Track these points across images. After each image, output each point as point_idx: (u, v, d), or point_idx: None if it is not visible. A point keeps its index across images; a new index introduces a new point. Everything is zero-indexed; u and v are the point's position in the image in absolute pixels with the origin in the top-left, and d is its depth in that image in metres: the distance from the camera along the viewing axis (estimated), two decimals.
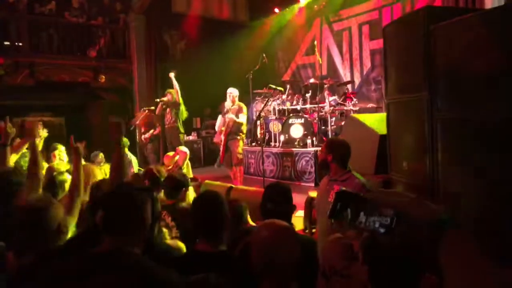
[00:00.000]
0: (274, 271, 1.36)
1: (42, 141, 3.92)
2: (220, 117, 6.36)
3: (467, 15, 2.79)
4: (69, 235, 1.93)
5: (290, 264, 1.36)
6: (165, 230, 2.48)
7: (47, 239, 1.72)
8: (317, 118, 7.16)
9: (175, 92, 6.94)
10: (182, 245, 2.26)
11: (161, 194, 3.06)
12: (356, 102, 7.45)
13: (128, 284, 1.28)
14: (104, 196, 1.55)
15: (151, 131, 7.72)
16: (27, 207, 1.75)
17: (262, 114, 6.98)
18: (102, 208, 1.43)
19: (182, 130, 7.10)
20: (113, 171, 2.18)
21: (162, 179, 3.18)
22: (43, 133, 3.89)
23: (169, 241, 2.34)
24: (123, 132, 2.39)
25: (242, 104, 6.23)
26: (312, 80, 7.97)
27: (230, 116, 6.00)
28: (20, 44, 8.53)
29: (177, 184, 2.95)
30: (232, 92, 6.20)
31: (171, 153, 5.04)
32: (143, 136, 7.75)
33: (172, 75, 6.86)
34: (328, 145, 3.00)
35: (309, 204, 4.00)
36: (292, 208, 2.37)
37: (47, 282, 1.37)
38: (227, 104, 6.21)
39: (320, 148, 6.16)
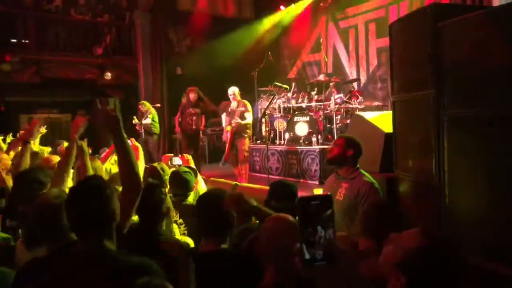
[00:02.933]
0: (276, 257, 1.52)
1: (38, 138, 3.93)
2: (224, 116, 6.37)
3: (475, 12, 2.76)
4: None
5: (291, 252, 1.50)
6: (175, 225, 2.49)
7: (62, 233, 1.73)
8: (322, 116, 7.14)
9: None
10: (190, 241, 2.27)
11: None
12: (362, 100, 7.41)
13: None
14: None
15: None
16: (44, 202, 1.76)
17: (267, 112, 6.97)
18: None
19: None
20: (121, 170, 1.96)
21: (167, 177, 3.19)
22: (42, 129, 3.91)
23: (178, 237, 2.35)
24: (120, 125, 2.10)
25: (246, 102, 6.22)
26: (318, 78, 7.94)
27: (237, 120, 6.01)
28: (27, 41, 8.59)
29: (182, 181, 2.96)
30: (233, 91, 6.20)
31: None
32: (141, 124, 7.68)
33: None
34: (347, 140, 3.00)
35: None
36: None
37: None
38: (233, 105, 6.22)
39: (327, 146, 6.17)
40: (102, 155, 4.26)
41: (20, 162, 2.83)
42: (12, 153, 3.53)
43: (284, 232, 1.54)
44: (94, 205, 1.46)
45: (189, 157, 3.74)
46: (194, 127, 6.87)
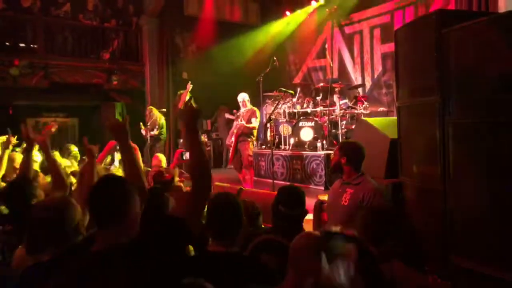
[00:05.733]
0: (295, 267, 1.50)
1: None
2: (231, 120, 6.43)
3: (480, 18, 2.76)
4: None
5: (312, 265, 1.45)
6: None
7: (65, 238, 1.75)
8: (327, 121, 7.14)
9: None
10: (190, 247, 2.27)
11: None
12: (367, 105, 7.40)
13: None
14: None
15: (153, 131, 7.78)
16: (47, 206, 1.77)
17: (272, 117, 6.99)
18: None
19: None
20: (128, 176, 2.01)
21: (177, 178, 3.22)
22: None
23: None
24: (128, 133, 2.15)
25: (255, 108, 6.27)
26: (322, 84, 7.95)
27: (241, 123, 6.06)
28: (35, 46, 8.69)
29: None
30: (243, 98, 6.26)
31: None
32: (148, 133, 7.79)
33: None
34: (342, 147, 3.00)
35: (319, 208, 3.99)
36: (304, 212, 2.37)
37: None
38: (241, 111, 6.30)
39: (332, 152, 6.16)
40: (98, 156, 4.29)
41: (24, 170, 2.87)
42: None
43: (307, 247, 1.51)
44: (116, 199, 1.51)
45: None
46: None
